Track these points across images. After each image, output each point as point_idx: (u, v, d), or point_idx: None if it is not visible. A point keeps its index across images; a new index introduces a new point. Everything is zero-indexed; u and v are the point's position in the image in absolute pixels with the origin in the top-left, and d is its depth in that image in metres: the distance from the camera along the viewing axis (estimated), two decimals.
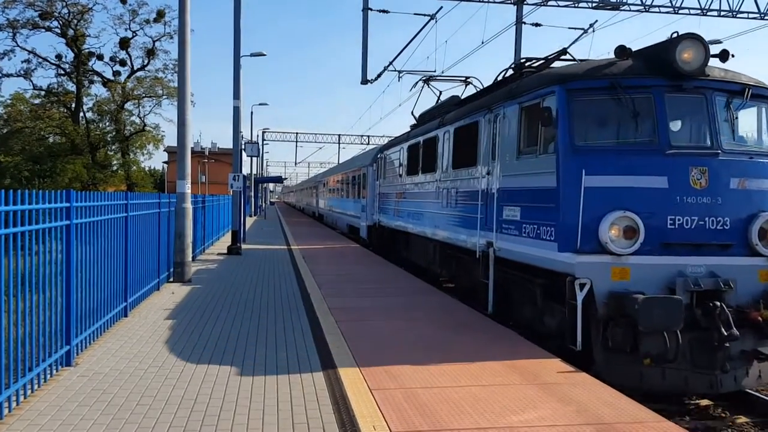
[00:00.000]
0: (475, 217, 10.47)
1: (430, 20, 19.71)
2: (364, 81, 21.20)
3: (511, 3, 20.36)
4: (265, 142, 65.85)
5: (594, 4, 19.86)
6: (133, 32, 48.99)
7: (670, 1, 20.56)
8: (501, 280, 9.67)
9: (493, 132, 9.92)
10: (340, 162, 49.76)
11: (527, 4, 20.05)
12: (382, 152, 20.62)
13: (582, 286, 7.12)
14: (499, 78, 11.06)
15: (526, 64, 10.33)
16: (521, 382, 6.33)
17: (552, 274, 7.89)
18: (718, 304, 6.95)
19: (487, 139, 10.16)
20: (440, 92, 17.52)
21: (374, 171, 21.74)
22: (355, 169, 27.12)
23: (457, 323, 9.07)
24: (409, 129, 17.69)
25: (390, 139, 25.51)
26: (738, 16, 21.06)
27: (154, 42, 49.28)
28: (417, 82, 17.36)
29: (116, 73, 50.32)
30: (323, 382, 6.24)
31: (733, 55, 7.88)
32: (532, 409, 5.52)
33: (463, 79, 16.50)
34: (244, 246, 20.45)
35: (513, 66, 11.18)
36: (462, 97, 14.30)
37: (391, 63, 21.32)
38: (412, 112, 18.06)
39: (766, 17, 20.98)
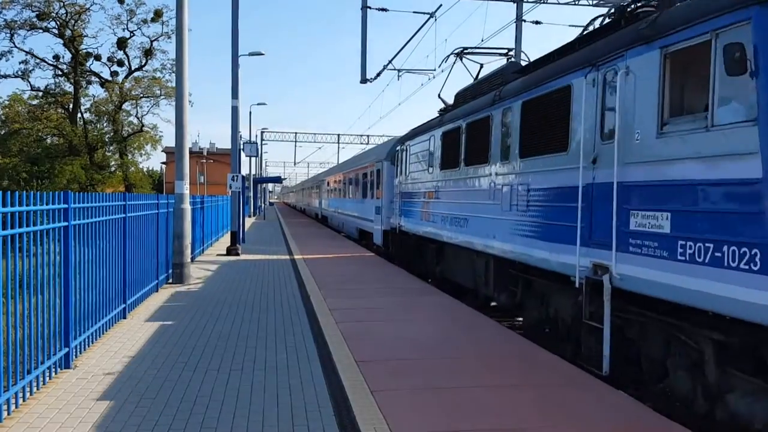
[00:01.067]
0: (566, 226, 7.52)
1: (429, 18, 19.67)
2: (364, 80, 21.15)
3: (510, 0, 20.32)
4: (264, 142, 65.85)
5: (594, 2, 19.81)
6: (131, 32, 48.96)
7: None
8: (620, 324, 6.77)
9: (600, 100, 7.06)
10: (342, 161, 47.79)
11: (527, 1, 20.02)
12: (402, 143, 17.33)
13: None
14: (583, 34, 8.19)
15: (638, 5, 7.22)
16: (525, 383, 6.28)
17: (748, 328, 4.96)
18: None
19: (589, 110, 7.23)
20: (481, 66, 14.23)
21: (391, 166, 18.99)
22: (366, 165, 23.86)
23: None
24: (438, 114, 14.74)
25: (401, 134, 21.48)
26: None
27: (151, 42, 49.24)
28: (448, 56, 14.50)
29: (114, 74, 50.29)
30: (323, 383, 6.21)
31: None
32: (538, 414, 5.48)
33: (505, 51, 14.13)
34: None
35: (613, 10, 7.86)
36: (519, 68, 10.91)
37: (390, 62, 21.32)
38: (439, 95, 15.49)
39: None
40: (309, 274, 14.40)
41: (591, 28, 8.23)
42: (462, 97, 13.40)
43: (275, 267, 16.03)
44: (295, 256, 18.45)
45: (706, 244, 5.24)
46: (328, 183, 38.81)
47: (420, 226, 14.89)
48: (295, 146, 69.33)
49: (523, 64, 11.55)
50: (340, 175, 32.56)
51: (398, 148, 17.89)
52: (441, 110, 14.75)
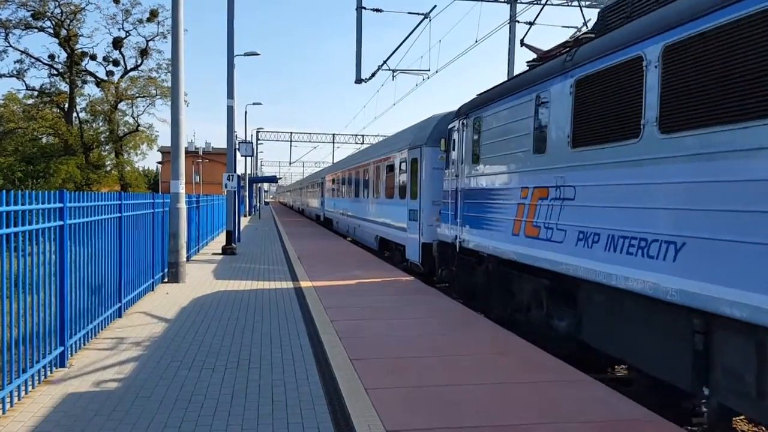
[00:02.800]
0: None
1: (423, 19, 19.71)
2: (358, 80, 21.18)
3: (504, 1, 20.38)
4: (259, 141, 65.76)
5: (587, 3, 19.88)
6: (127, 32, 49.03)
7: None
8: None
9: None
10: (337, 160, 44.94)
11: (520, 2, 20.08)
12: (463, 116, 11.65)
13: None
14: None
15: None
16: (517, 381, 6.34)
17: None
18: None
19: None
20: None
21: (435, 153, 14.21)
22: (393, 154, 18.17)
23: None
24: (529, 66, 9.78)
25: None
26: None
27: (147, 42, 49.27)
28: None
29: (109, 73, 50.30)
30: (318, 382, 6.25)
31: None
32: (529, 410, 5.53)
33: None
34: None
35: None
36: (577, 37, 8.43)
37: (385, 62, 21.35)
38: (522, 42, 10.63)
39: None
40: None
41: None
42: (607, 19, 7.92)
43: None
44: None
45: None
46: (333, 180, 33.28)
47: (509, 244, 9.36)
48: (291, 146, 69.33)
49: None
50: (350, 170, 26.87)
51: (452, 125, 12.53)
52: (535, 60, 9.70)
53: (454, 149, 12.35)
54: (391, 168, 18.47)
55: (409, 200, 15.85)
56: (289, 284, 12.65)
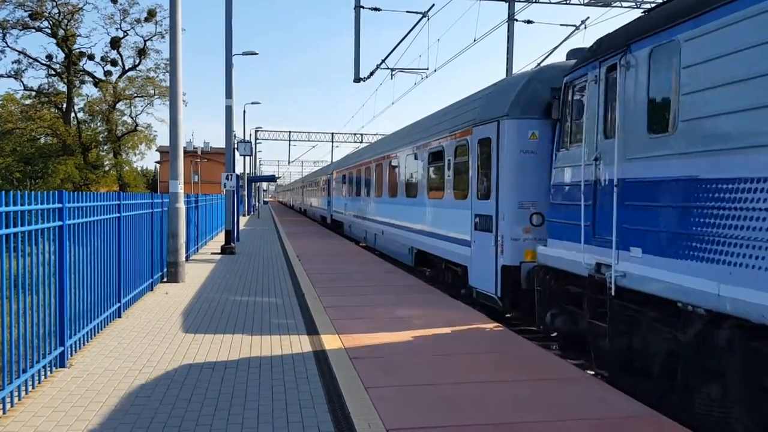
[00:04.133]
0: None
1: (422, 18, 19.71)
2: (357, 79, 21.18)
3: (502, 0, 20.38)
4: (258, 141, 65.78)
5: (586, 1, 19.90)
6: (124, 32, 48.97)
7: None
8: None
9: None
10: (336, 159, 42.03)
11: (518, 1, 20.08)
12: (625, 52, 6.81)
13: None
14: None
15: None
16: (516, 378, 6.35)
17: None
18: None
19: None
20: None
21: (526, 128, 9.80)
22: (442, 136, 13.06)
23: None
24: None
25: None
26: None
27: (145, 41, 49.26)
28: None
29: (107, 73, 50.28)
30: (318, 380, 6.25)
31: None
32: (529, 408, 5.54)
33: None
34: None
35: None
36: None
37: (383, 61, 21.35)
38: None
39: None
40: None
41: None
42: None
43: None
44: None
45: None
46: (345, 177, 27.83)
47: None
48: (289, 145, 69.26)
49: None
50: (369, 163, 21.69)
51: (577, 77, 8.17)
52: None
53: (582, 117, 7.86)
54: (437, 156, 13.25)
55: (475, 200, 10.79)
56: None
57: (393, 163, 17.92)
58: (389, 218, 18.03)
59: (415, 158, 15.24)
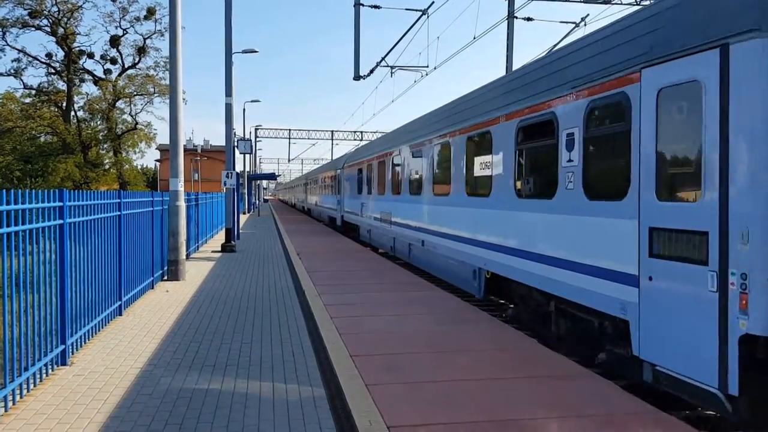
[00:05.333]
0: None
1: (422, 15, 19.68)
2: (357, 77, 21.16)
3: None
4: (258, 138, 65.77)
5: None
6: (124, 30, 48.87)
7: None
8: None
9: None
10: (335, 157, 40.07)
11: None
12: None
13: None
14: None
15: None
16: (517, 375, 6.36)
17: None
18: None
19: None
20: None
21: None
22: (559, 97, 8.01)
23: None
24: None
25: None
26: None
27: (144, 39, 49.17)
28: None
29: (107, 72, 50.21)
30: (319, 377, 6.27)
31: None
32: (529, 405, 5.55)
33: None
34: None
35: None
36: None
37: (383, 59, 21.33)
38: None
39: None
40: None
41: None
42: None
43: None
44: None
45: None
46: (362, 169, 22.76)
47: None
48: (289, 143, 69.23)
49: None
50: (402, 149, 16.64)
51: None
52: None
53: None
54: (539, 130, 8.65)
55: (650, 201, 6.17)
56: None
57: (441, 150, 13.07)
58: (436, 224, 13.24)
59: (487, 139, 10.36)
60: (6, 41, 46.00)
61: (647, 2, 20.84)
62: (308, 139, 69.83)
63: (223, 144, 22.26)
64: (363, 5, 20.05)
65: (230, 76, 20.89)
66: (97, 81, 49.59)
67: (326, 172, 36.03)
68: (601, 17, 34.92)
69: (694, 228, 5.50)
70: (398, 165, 17.14)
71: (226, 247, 19.29)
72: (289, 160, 77.54)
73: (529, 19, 20.94)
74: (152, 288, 11.67)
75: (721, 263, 5.19)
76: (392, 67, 21.41)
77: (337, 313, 9.35)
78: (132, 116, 52.09)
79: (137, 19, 48.70)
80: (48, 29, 46.82)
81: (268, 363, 6.79)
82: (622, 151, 6.56)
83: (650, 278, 6.02)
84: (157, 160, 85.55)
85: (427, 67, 20.87)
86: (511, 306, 10.45)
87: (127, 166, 54.07)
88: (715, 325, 5.22)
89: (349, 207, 26.30)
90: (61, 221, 6.59)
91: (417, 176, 14.97)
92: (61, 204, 6.58)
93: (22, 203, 5.62)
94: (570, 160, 7.68)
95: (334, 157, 48.01)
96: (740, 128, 5.17)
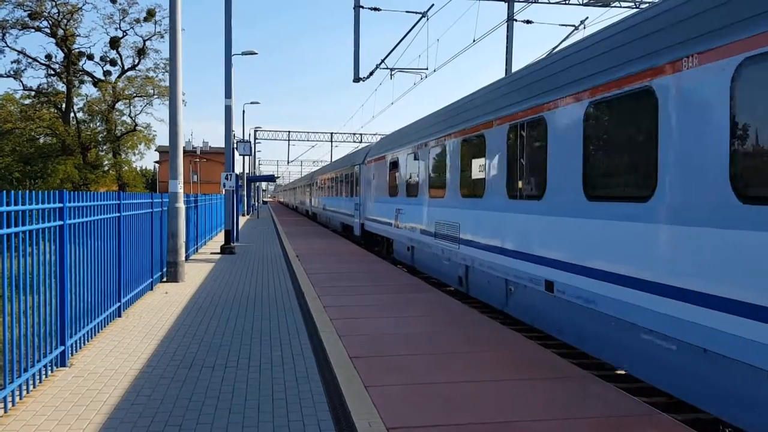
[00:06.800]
0: None
1: (421, 18, 19.72)
2: (356, 79, 21.19)
3: (502, 0, 20.40)
4: (257, 140, 65.78)
5: (585, 1, 19.91)
6: (124, 31, 48.98)
7: None
8: None
9: None
10: (336, 159, 38.25)
11: (518, 1, 20.10)
12: None
13: None
14: None
15: None
16: (515, 377, 6.37)
17: None
18: None
19: None
20: None
21: None
22: None
23: None
24: None
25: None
26: None
27: (144, 41, 49.28)
28: None
29: (107, 73, 50.29)
30: (318, 378, 6.27)
31: None
32: (528, 407, 5.56)
33: None
34: None
35: None
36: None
37: (383, 61, 21.36)
38: None
39: None
40: None
41: None
42: None
43: None
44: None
45: None
46: (394, 164, 17.39)
47: None
48: (289, 145, 69.24)
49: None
50: (481, 133, 10.40)
51: None
52: None
53: None
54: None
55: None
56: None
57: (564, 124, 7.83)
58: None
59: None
60: (6, 42, 46.12)
61: (647, 6, 20.89)
62: (307, 140, 69.90)
63: (223, 145, 22.28)
64: (363, 7, 20.09)
65: (230, 78, 20.92)
66: (96, 82, 49.67)
67: (339, 169, 30.22)
68: (601, 20, 34.94)
69: None
70: (458, 160, 11.57)
71: (226, 249, 19.30)
72: (288, 162, 77.53)
73: (528, 22, 20.98)
74: (151, 289, 11.67)
75: None
76: (392, 69, 21.45)
77: (336, 315, 9.36)
78: (131, 118, 52.21)
79: (137, 20, 48.89)
80: (48, 31, 46.93)
81: (267, 364, 6.79)
82: None
83: None
84: (156, 162, 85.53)
85: (427, 69, 20.91)
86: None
87: (126, 167, 54.12)
88: None
89: (371, 214, 20.62)
90: (61, 222, 6.59)
91: (509, 176, 9.36)
92: (61, 205, 6.59)
93: (23, 204, 5.63)
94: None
95: (333, 159, 47.35)
96: None
